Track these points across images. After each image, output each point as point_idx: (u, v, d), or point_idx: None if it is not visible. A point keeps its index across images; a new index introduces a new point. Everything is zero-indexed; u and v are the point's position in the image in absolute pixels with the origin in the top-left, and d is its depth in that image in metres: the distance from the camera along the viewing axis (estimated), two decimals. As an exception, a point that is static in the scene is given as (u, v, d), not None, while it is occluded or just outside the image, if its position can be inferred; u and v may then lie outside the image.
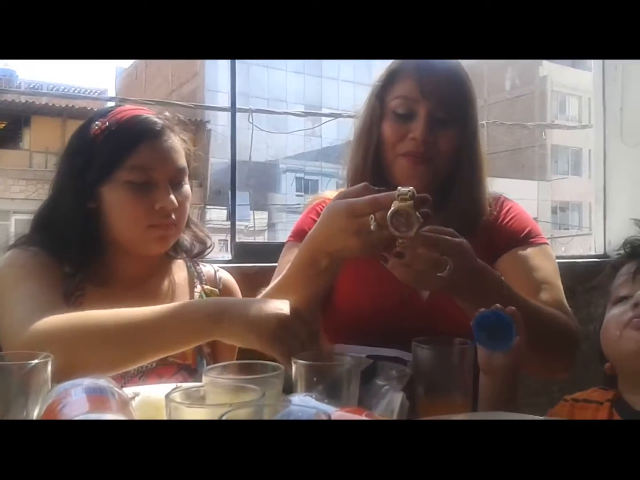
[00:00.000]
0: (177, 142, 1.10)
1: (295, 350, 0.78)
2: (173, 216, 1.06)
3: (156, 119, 1.08)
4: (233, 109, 1.75)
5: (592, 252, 2.43)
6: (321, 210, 1.15)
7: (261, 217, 14.41)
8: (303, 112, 3.80)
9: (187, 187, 1.11)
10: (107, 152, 1.04)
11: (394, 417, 0.76)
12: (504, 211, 1.13)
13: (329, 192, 1.22)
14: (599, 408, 0.91)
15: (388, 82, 1.08)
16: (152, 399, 0.70)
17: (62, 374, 0.66)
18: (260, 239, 12.34)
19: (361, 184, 0.86)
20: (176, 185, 1.08)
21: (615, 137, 2.36)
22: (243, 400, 0.58)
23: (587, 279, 2.06)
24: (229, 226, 1.83)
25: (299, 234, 1.14)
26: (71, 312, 0.91)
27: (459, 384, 0.81)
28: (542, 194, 17.51)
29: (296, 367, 0.70)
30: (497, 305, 0.81)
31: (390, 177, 1.09)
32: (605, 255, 2.33)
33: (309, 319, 0.86)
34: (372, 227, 0.80)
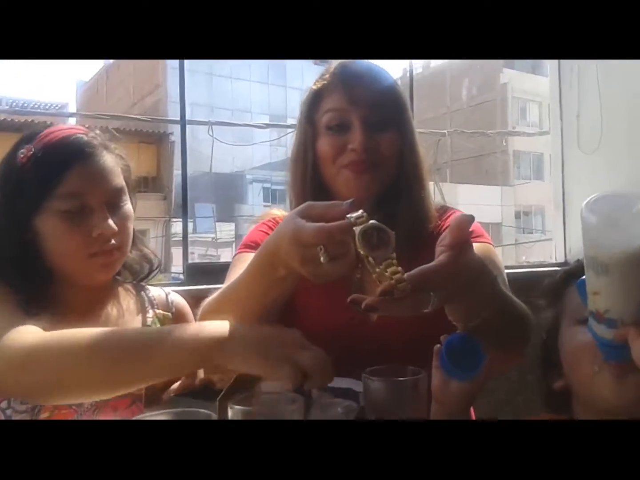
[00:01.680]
0: (111, 161, 1.03)
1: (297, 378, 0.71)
2: (114, 241, 1.00)
3: (85, 139, 1.01)
4: (183, 121, 1.71)
5: (553, 259, 2.45)
6: (272, 225, 1.11)
7: (228, 229, 14.34)
8: (265, 123, 3.78)
9: (127, 207, 1.05)
10: (35, 182, 0.97)
11: (344, 456, 0.71)
12: (447, 217, 1.11)
13: (277, 210, 1.18)
14: None
15: (314, 101, 1.05)
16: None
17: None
18: (227, 250, 12.26)
19: (332, 202, 0.75)
20: (114, 207, 1.02)
21: (572, 144, 2.38)
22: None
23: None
24: (194, 239, 1.75)
25: (248, 246, 1.09)
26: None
27: (412, 415, 0.76)
28: (505, 199, 17.83)
29: (232, 414, 0.64)
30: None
31: (334, 191, 1.06)
32: (565, 263, 2.35)
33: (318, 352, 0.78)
34: (322, 259, 0.71)
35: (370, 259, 0.67)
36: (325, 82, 1.04)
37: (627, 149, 2.15)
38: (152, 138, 12.69)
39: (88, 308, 1.04)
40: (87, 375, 0.78)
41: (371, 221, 0.68)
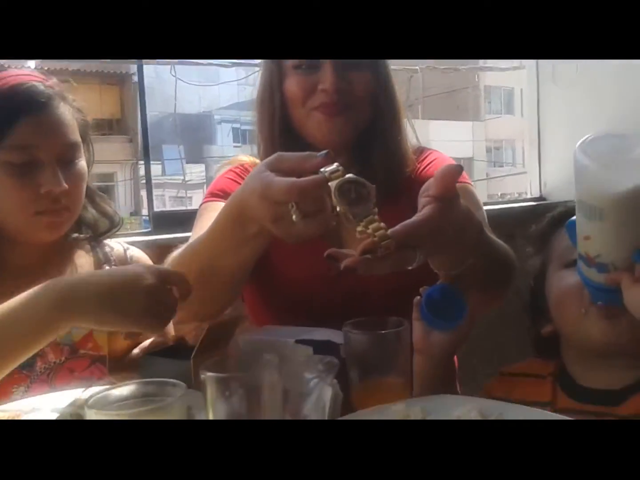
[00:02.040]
0: (68, 114, 0.96)
1: (168, 316, 0.71)
2: (63, 201, 0.93)
3: (41, 88, 0.93)
4: (140, 62, 1.61)
5: (528, 194, 2.44)
6: (239, 172, 1.05)
7: (198, 171, 14.09)
8: (231, 62, 3.58)
9: (80, 165, 0.98)
10: None
11: (326, 412, 0.68)
12: (424, 158, 1.07)
13: (244, 155, 1.11)
14: (540, 383, 0.85)
15: None
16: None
17: None
18: (198, 192, 12.07)
19: (304, 153, 0.69)
20: (66, 163, 0.95)
21: (547, 79, 2.34)
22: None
23: (525, 224, 2.07)
24: (164, 181, 1.68)
25: (215, 195, 1.03)
26: None
27: (396, 368, 0.74)
28: (476, 134, 17.80)
29: (204, 380, 0.59)
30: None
31: (306, 135, 1.00)
32: (541, 198, 2.34)
33: (175, 277, 0.75)
34: (293, 217, 0.65)
35: (350, 216, 0.61)
36: None
37: (603, 83, 2.11)
38: (114, 79, 12.29)
39: (38, 267, 0.98)
40: None
41: (348, 175, 0.62)
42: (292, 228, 0.67)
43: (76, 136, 0.98)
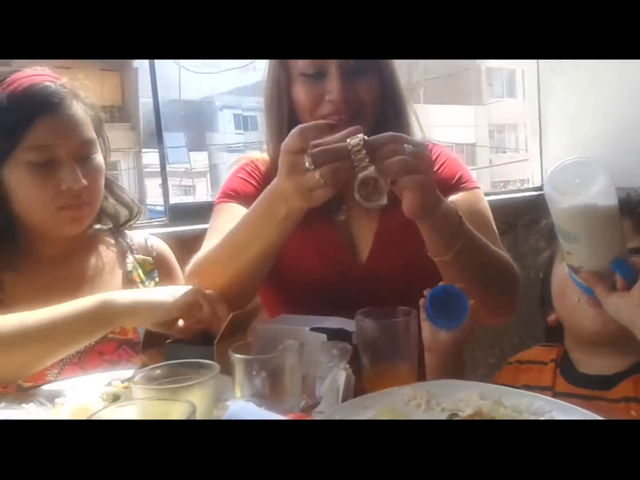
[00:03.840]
0: (81, 111, 1.00)
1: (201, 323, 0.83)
2: (84, 196, 0.98)
3: (53, 88, 0.97)
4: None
5: (531, 182, 2.47)
6: (250, 170, 1.09)
7: (201, 158, 14.02)
8: (234, 48, 3.53)
9: (98, 160, 1.02)
10: (1, 132, 0.94)
11: (340, 395, 0.74)
12: (435, 159, 1.10)
13: (253, 152, 1.15)
14: (542, 369, 0.90)
15: None
16: (81, 406, 0.65)
17: None
18: (202, 180, 12.03)
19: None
20: (84, 159, 0.99)
21: (549, 62, 2.34)
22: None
23: (527, 213, 2.10)
24: (168, 169, 1.72)
25: (228, 195, 1.08)
26: None
27: (404, 354, 0.80)
28: (478, 119, 17.69)
29: (233, 361, 0.66)
30: (449, 284, 0.81)
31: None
32: (542, 187, 2.36)
33: (210, 296, 0.86)
34: (306, 164, 0.74)
35: (365, 206, 0.75)
36: None
37: (601, 70, 2.12)
38: (114, 65, 12.14)
39: (64, 259, 1.04)
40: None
41: (370, 170, 0.74)
42: (304, 178, 0.75)
43: (91, 132, 1.01)
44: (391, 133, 0.79)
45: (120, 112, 13.35)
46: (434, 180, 0.83)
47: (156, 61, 1.83)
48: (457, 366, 0.85)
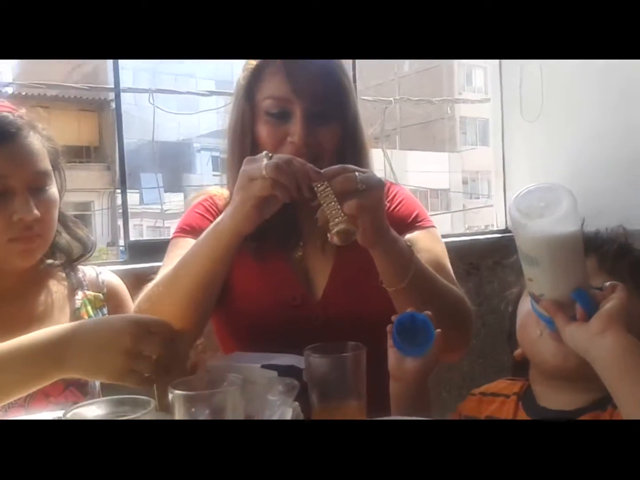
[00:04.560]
0: (38, 142, 0.99)
1: (152, 372, 0.78)
2: (36, 228, 0.96)
3: (10, 119, 0.97)
4: (117, 89, 1.65)
5: (495, 226, 2.50)
6: (208, 205, 1.09)
7: (177, 200, 14.02)
8: (210, 91, 3.61)
9: (52, 192, 1.01)
10: None
11: (287, 433, 0.72)
12: (391, 198, 1.11)
13: (214, 188, 1.15)
14: (505, 402, 0.90)
15: (254, 79, 1.00)
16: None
17: None
18: (176, 222, 11.90)
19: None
20: (38, 191, 0.98)
21: (514, 111, 2.41)
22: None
23: (490, 255, 2.13)
24: (142, 210, 1.71)
25: (184, 230, 1.08)
26: None
27: (353, 391, 0.78)
28: (452, 166, 18.09)
29: (172, 398, 0.64)
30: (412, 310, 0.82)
31: None
32: (507, 230, 2.40)
33: (156, 324, 0.82)
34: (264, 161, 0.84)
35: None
36: (266, 60, 0.99)
37: (567, 118, 2.20)
38: (92, 106, 12.23)
39: (15, 292, 1.01)
40: None
41: (344, 222, 0.81)
42: (251, 168, 0.85)
43: (46, 164, 1.00)
44: (341, 165, 0.86)
45: (96, 152, 13.38)
46: (384, 206, 0.87)
47: (133, 101, 1.84)
48: (422, 395, 0.84)
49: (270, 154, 0.85)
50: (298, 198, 0.84)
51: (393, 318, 0.82)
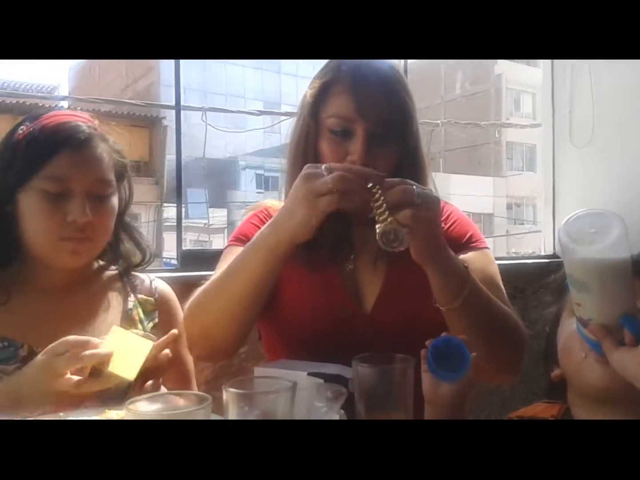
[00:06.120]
0: (105, 153, 1.04)
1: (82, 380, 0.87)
2: (88, 231, 1.02)
3: (83, 128, 1.03)
4: (178, 107, 1.71)
5: (542, 252, 2.47)
6: (263, 217, 1.12)
7: (221, 215, 14.28)
8: (259, 110, 3.71)
9: (110, 201, 1.06)
10: (26, 158, 0.99)
11: (333, 439, 0.73)
12: (445, 217, 1.11)
13: (270, 200, 1.18)
14: None
15: (321, 97, 1.02)
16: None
17: None
18: (219, 236, 12.21)
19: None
20: (96, 198, 1.03)
21: (564, 137, 2.39)
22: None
23: (537, 279, 2.10)
24: (186, 224, 1.77)
25: (239, 239, 1.10)
26: None
27: (400, 402, 0.79)
28: (497, 190, 17.88)
29: (226, 395, 0.66)
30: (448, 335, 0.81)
31: None
32: (554, 255, 2.37)
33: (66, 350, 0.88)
34: (323, 172, 0.87)
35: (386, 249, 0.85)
36: (332, 75, 1.01)
37: (619, 144, 2.17)
38: (144, 122, 12.58)
39: (63, 291, 1.06)
40: None
41: (390, 221, 0.83)
42: (318, 183, 0.86)
43: (109, 174, 1.05)
44: (401, 179, 0.88)
45: (146, 167, 13.75)
46: (439, 223, 0.88)
47: (184, 120, 1.91)
48: (459, 419, 0.83)
49: (329, 167, 0.87)
50: (361, 207, 0.86)
51: (427, 343, 0.81)
